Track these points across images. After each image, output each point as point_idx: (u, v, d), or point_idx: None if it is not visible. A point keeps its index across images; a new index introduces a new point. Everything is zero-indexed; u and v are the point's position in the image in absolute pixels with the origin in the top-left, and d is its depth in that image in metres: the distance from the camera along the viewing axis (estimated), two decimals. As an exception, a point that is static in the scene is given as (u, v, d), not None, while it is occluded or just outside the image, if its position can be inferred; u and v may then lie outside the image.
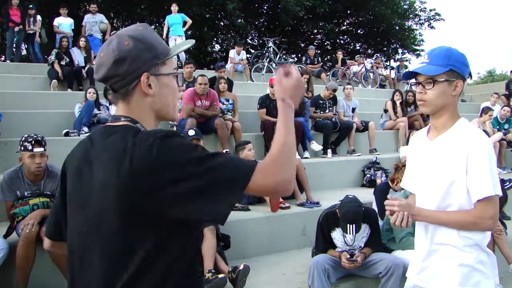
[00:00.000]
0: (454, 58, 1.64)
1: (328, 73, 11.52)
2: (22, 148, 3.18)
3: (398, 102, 7.87)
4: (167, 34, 10.04)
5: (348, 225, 3.18)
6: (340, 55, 12.50)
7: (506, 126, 7.95)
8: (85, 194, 1.03)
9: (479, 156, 1.57)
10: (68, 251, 1.11)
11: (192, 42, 1.23)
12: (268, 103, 6.37)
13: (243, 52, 10.70)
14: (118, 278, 0.97)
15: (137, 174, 0.94)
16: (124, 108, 1.08)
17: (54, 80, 7.33)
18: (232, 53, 10.53)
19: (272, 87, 6.35)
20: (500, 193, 1.58)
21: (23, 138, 3.20)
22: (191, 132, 3.95)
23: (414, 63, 20.35)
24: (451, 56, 1.64)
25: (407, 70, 1.77)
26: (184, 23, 10.09)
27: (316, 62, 11.57)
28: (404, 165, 4.13)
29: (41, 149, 3.18)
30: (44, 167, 3.26)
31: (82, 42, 8.23)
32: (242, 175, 0.96)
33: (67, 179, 1.13)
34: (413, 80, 1.73)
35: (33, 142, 3.16)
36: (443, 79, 1.63)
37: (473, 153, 1.57)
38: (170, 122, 6.14)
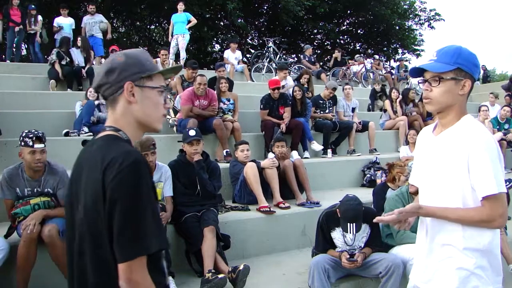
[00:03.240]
0: (463, 57, 1.61)
1: (328, 73, 11.53)
2: (23, 143, 3.18)
3: (395, 100, 7.89)
4: (172, 32, 10.00)
5: (348, 223, 3.17)
6: (338, 54, 12.47)
7: (506, 126, 7.95)
8: (76, 196, 1.19)
9: (480, 153, 1.54)
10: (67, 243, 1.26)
11: (180, 67, 1.40)
12: (271, 104, 6.37)
13: (238, 52, 10.63)
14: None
15: (104, 187, 1.10)
16: (112, 115, 1.25)
17: (52, 80, 7.33)
18: (226, 53, 10.43)
19: (273, 90, 6.29)
20: (505, 190, 1.55)
21: (24, 134, 3.21)
22: (192, 133, 3.94)
23: (414, 63, 20.36)
24: (460, 55, 1.61)
25: (414, 66, 1.74)
26: (188, 21, 10.04)
27: (314, 60, 11.57)
28: (396, 164, 4.21)
29: (42, 145, 3.21)
30: (44, 162, 3.28)
31: (78, 42, 8.23)
32: (139, 247, 1.08)
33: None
34: (420, 79, 1.71)
35: (34, 138, 3.18)
36: (450, 77, 1.60)
37: (474, 150, 1.55)
38: (170, 122, 6.15)
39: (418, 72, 1.70)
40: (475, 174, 1.56)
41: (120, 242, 1.07)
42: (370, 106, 9.34)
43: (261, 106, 6.39)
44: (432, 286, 1.69)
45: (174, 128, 6.01)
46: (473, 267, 1.60)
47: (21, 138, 3.20)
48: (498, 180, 1.54)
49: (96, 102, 5.78)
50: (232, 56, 10.32)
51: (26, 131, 3.24)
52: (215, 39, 18.42)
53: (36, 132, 3.22)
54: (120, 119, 1.24)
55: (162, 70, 1.30)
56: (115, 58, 1.24)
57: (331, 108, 7.14)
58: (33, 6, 9.49)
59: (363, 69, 11.86)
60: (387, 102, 8.02)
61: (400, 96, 7.97)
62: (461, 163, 1.58)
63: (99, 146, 1.19)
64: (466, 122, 1.65)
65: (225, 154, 5.55)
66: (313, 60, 11.59)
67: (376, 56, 13.03)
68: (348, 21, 20.74)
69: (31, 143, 3.16)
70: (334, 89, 7.15)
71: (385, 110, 8.13)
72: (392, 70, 13.70)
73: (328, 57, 19.30)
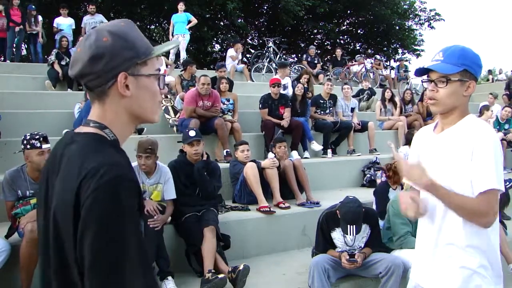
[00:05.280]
0: (469, 59, 1.61)
1: (329, 73, 11.53)
2: (29, 146, 3.17)
3: (387, 98, 7.95)
4: (172, 32, 9.97)
5: (348, 225, 3.18)
6: (339, 52, 12.47)
7: (506, 126, 7.96)
8: (45, 198, 1.00)
9: (484, 149, 1.54)
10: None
11: (177, 42, 1.22)
12: (270, 103, 6.36)
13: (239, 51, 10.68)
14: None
15: (78, 200, 0.88)
16: (98, 109, 1.02)
17: (47, 81, 7.37)
18: (231, 51, 10.49)
19: (273, 87, 6.33)
20: (503, 189, 1.55)
21: (29, 136, 3.20)
22: (192, 133, 3.94)
23: (414, 63, 20.36)
24: (466, 56, 1.61)
25: (421, 66, 1.71)
26: (189, 22, 10.01)
27: (316, 62, 11.57)
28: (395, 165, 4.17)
29: (49, 145, 3.22)
30: None
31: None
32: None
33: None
34: (425, 78, 1.69)
35: (41, 139, 3.19)
36: (457, 79, 1.60)
37: (478, 146, 1.55)
38: (170, 122, 6.14)
39: (423, 71, 1.69)
40: (476, 167, 1.55)
41: (91, 279, 0.83)
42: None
43: (260, 105, 6.39)
44: (435, 285, 1.69)
45: (174, 128, 6.00)
46: (476, 266, 1.60)
47: (26, 141, 3.18)
48: (499, 177, 1.54)
49: None
50: (235, 54, 10.35)
51: (29, 134, 3.23)
52: (215, 39, 18.40)
53: (41, 133, 3.24)
54: (109, 115, 1.00)
55: (159, 48, 1.05)
56: (99, 38, 0.96)
57: (331, 108, 7.14)
58: (33, 6, 9.50)
59: (363, 69, 11.86)
60: (379, 103, 8.06)
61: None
62: (465, 159, 1.57)
63: (81, 146, 0.95)
64: (470, 120, 1.65)
65: (225, 154, 5.55)
66: (315, 61, 11.59)
67: (378, 56, 12.97)
68: (348, 21, 20.74)
69: (38, 144, 3.16)
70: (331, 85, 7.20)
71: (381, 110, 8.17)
72: (391, 70, 13.68)
73: (329, 56, 19.34)
